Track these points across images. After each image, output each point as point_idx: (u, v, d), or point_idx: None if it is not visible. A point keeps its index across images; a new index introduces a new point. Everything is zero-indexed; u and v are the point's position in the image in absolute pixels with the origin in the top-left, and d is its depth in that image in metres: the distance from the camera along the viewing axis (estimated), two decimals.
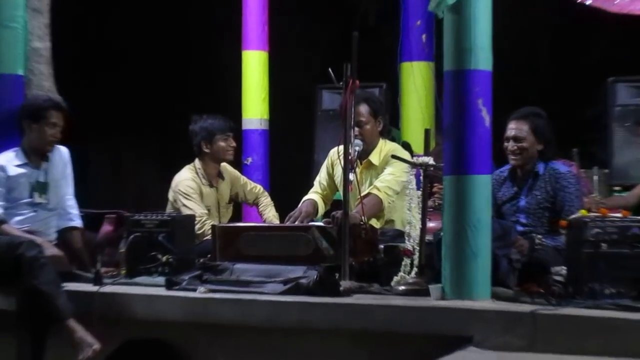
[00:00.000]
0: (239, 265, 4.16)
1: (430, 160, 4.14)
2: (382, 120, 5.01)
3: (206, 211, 5.28)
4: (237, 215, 6.22)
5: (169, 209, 5.34)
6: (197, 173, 5.38)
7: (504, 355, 3.41)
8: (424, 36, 6.70)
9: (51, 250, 4.48)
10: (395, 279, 4.11)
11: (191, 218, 4.83)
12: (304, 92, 7.85)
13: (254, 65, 7.16)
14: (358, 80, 4.13)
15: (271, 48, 7.26)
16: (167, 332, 4.11)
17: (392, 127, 6.02)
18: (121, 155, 11.29)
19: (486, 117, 3.77)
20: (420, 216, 4.08)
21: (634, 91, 6.25)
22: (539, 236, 4.36)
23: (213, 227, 4.58)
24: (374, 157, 4.96)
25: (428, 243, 4.06)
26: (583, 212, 3.92)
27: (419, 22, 6.68)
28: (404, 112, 6.85)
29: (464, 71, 3.77)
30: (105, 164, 11.15)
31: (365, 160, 4.96)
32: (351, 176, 4.15)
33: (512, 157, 4.58)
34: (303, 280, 3.95)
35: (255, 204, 5.65)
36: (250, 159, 7.12)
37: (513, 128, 4.57)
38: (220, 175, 5.47)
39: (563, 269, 3.97)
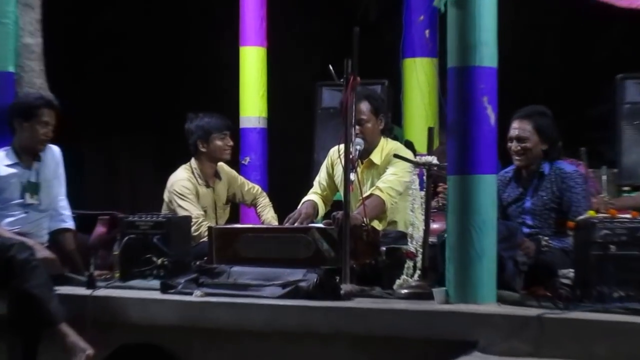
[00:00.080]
0: (236, 268, 4.14)
1: (433, 159, 4.11)
2: (384, 118, 4.98)
3: (202, 212, 5.27)
4: (234, 217, 6.20)
5: (164, 210, 5.33)
6: (193, 173, 5.37)
7: None
8: (427, 32, 6.68)
9: (43, 252, 4.45)
10: (398, 282, 4.08)
11: (187, 219, 4.79)
12: (303, 90, 7.85)
13: (252, 62, 7.14)
14: (359, 77, 4.10)
15: (270, 44, 7.24)
16: (162, 337, 4.09)
17: (394, 126, 5.97)
18: (115, 154, 11.28)
19: (491, 115, 3.75)
20: (423, 217, 4.06)
21: None
22: (546, 238, 4.34)
23: (210, 228, 4.56)
24: (376, 157, 4.93)
25: (431, 245, 4.04)
26: (591, 213, 3.89)
27: (421, 17, 6.67)
28: (406, 110, 6.83)
29: (468, 68, 3.74)
30: (99, 164, 11.16)
31: (366, 160, 4.93)
32: (352, 176, 4.13)
33: (516, 158, 4.56)
34: (303, 284, 3.92)
35: (253, 204, 5.63)
36: (248, 159, 7.10)
37: (516, 128, 4.54)
38: (217, 175, 5.46)
39: (570, 272, 3.94)
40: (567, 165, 4.53)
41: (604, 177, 4.83)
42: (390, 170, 4.80)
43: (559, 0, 8.45)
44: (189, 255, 4.58)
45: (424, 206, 4.07)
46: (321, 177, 5.11)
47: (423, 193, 4.09)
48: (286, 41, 8.55)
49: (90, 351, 3.99)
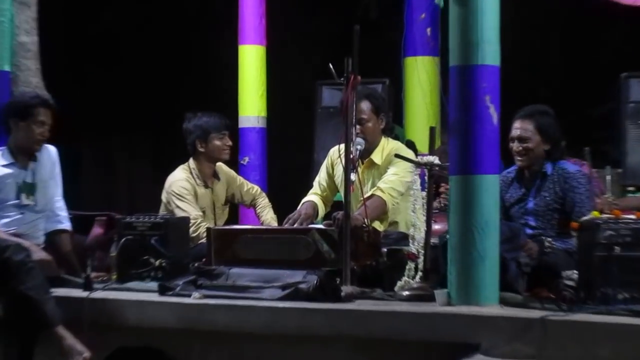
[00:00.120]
0: (235, 270, 4.12)
1: (435, 159, 4.10)
2: (385, 117, 4.96)
3: (201, 213, 5.26)
4: (233, 217, 6.18)
5: (162, 211, 5.31)
6: (191, 173, 5.36)
7: None
8: (428, 30, 6.67)
9: (39, 254, 4.43)
10: (399, 283, 4.08)
11: (185, 220, 4.79)
12: (303, 89, 7.85)
13: (251, 60, 7.13)
14: (360, 76, 4.08)
15: (269, 43, 7.23)
16: (160, 339, 4.06)
17: (395, 125, 6.02)
18: (113, 154, 11.29)
19: (494, 114, 3.73)
20: (425, 218, 4.05)
21: None
22: (549, 239, 4.33)
23: (208, 229, 4.54)
24: (376, 156, 4.91)
25: (433, 246, 4.02)
26: (595, 213, 3.87)
27: (423, 15, 6.65)
28: (407, 109, 6.81)
29: (470, 66, 3.72)
30: (96, 164, 11.17)
31: (367, 160, 4.91)
32: (352, 176, 4.12)
33: (518, 158, 4.54)
34: (302, 285, 3.90)
35: (253, 205, 5.62)
36: (247, 159, 7.09)
37: (517, 128, 4.52)
38: (215, 175, 5.45)
39: (574, 273, 3.93)
40: (570, 165, 4.51)
41: (608, 177, 4.78)
42: (391, 170, 4.78)
43: None
44: (187, 256, 4.57)
45: (425, 207, 4.06)
46: (321, 178, 5.10)
47: (424, 193, 4.09)
48: (286, 39, 8.58)
49: (87, 354, 3.98)
